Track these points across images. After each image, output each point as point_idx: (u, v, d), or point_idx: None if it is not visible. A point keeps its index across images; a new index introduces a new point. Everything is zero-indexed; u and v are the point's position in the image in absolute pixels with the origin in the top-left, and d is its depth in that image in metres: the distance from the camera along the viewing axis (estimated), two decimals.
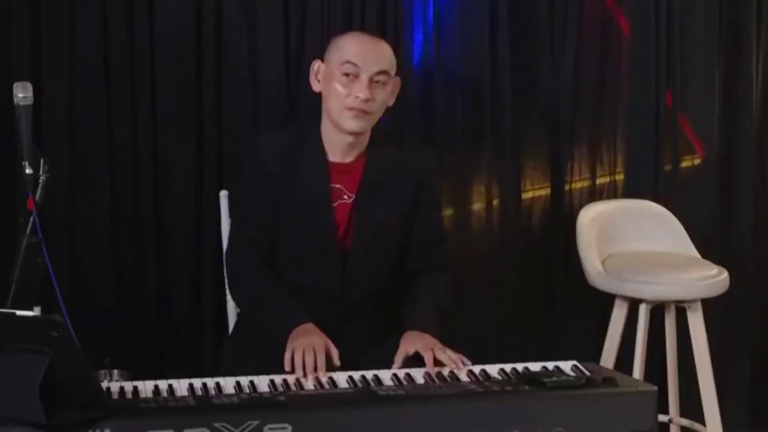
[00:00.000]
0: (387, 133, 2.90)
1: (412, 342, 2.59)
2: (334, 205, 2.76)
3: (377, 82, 2.69)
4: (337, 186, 2.77)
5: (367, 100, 2.67)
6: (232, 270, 2.86)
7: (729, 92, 3.94)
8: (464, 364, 2.50)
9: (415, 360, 2.55)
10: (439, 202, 2.98)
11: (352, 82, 2.67)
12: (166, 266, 3.54)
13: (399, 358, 2.56)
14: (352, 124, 2.70)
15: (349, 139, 2.74)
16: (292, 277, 2.81)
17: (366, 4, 3.57)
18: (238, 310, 3.02)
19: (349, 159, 2.78)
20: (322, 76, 2.75)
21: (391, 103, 2.80)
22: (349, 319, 2.79)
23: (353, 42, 2.71)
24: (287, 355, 2.50)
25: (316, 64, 2.77)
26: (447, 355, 2.51)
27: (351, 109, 2.68)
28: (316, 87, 2.77)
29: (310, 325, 2.64)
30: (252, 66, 3.53)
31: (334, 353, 2.54)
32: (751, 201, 3.98)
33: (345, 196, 2.77)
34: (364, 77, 2.67)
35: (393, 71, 2.75)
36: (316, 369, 2.46)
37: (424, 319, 2.70)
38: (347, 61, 2.67)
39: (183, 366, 3.49)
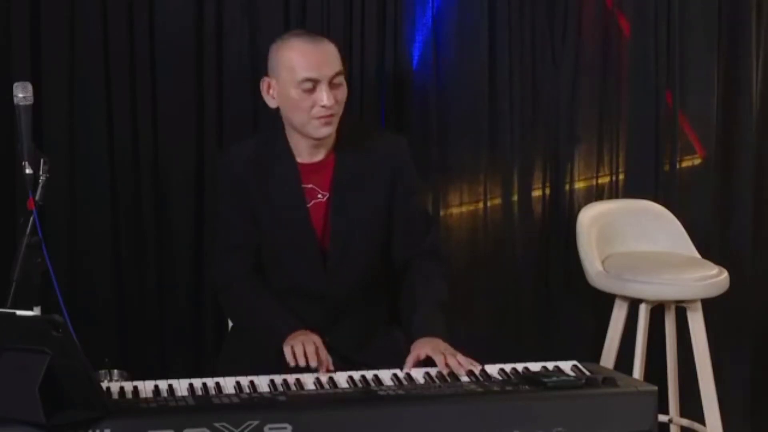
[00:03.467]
0: (354, 125, 2.89)
1: (422, 346, 2.58)
2: (309, 205, 2.77)
3: (335, 84, 2.69)
4: (310, 186, 2.77)
5: (331, 106, 2.67)
6: (221, 281, 2.86)
7: (729, 92, 3.94)
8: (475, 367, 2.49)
9: (426, 364, 2.55)
10: (417, 187, 2.95)
11: (312, 93, 2.67)
12: (166, 266, 3.54)
13: (410, 362, 2.55)
14: (321, 131, 2.71)
15: (317, 141, 2.75)
16: (277, 279, 2.82)
17: (366, 4, 3.57)
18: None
19: (318, 158, 2.78)
20: (276, 92, 2.73)
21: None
22: (337, 317, 2.79)
23: (301, 55, 2.67)
24: (287, 350, 2.50)
25: (266, 82, 2.74)
26: (457, 361, 2.50)
27: (319, 118, 2.69)
28: (271, 103, 2.76)
29: (304, 330, 2.65)
30: (252, 66, 3.52)
31: (328, 359, 2.54)
32: (751, 201, 3.98)
33: (319, 195, 2.78)
34: (323, 85, 2.66)
35: (341, 64, 2.72)
36: (318, 362, 2.47)
37: (430, 323, 2.69)
38: (305, 79, 2.66)
39: (183, 366, 3.49)
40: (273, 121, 2.79)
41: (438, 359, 2.52)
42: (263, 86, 2.75)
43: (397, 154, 2.84)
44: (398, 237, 2.84)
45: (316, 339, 2.57)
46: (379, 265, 2.84)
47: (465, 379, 2.44)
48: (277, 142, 2.79)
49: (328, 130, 2.71)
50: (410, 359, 2.55)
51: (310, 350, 2.49)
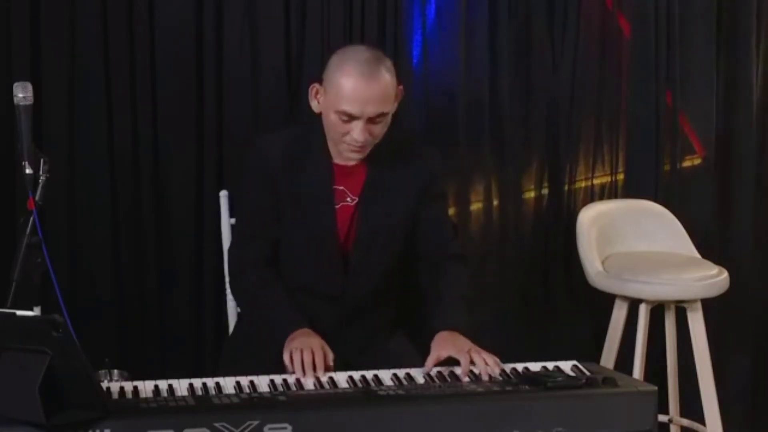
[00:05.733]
0: (391, 134, 2.89)
1: (444, 346, 2.55)
2: (337, 207, 2.75)
3: (376, 121, 2.63)
4: (341, 188, 2.76)
5: (363, 140, 2.63)
6: (234, 267, 2.85)
7: (729, 92, 3.94)
8: (498, 366, 2.47)
9: (447, 363, 2.52)
10: (445, 195, 2.95)
11: (348, 123, 2.62)
12: (166, 266, 3.54)
13: (431, 362, 2.52)
14: (350, 156, 2.70)
15: None
16: (293, 276, 2.80)
17: (366, 4, 3.57)
18: (239, 309, 3.02)
19: (352, 162, 2.77)
20: (321, 101, 2.69)
21: (394, 110, 2.73)
22: (349, 319, 2.78)
23: (350, 89, 2.59)
24: (286, 356, 2.49)
25: (315, 87, 2.70)
26: (482, 358, 2.48)
27: (349, 145, 2.67)
28: (315, 108, 2.71)
29: (308, 330, 2.64)
30: (252, 66, 3.53)
31: (329, 357, 2.53)
32: (751, 201, 3.98)
33: (348, 198, 2.77)
34: (360, 122, 2.61)
35: (391, 102, 2.65)
36: (315, 368, 2.46)
37: (453, 316, 2.67)
38: (343, 111, 2.60)
39: (183, 366, 3.49)
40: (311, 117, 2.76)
41: (463, 360, 2.48)
42: (311, 90, 2.70)
43: (430, 165, 2.82)
44: (425, 241, 2.82)
45: (316, 343, 2.54)
46: (396, 272, 2.84)
47: (465, 379, 2.44)
48: (314, 139, 2.76)
49: (357, 156, 2.69)
50: (430, 360, 2.52)
51: (308, 360, 2.46)
